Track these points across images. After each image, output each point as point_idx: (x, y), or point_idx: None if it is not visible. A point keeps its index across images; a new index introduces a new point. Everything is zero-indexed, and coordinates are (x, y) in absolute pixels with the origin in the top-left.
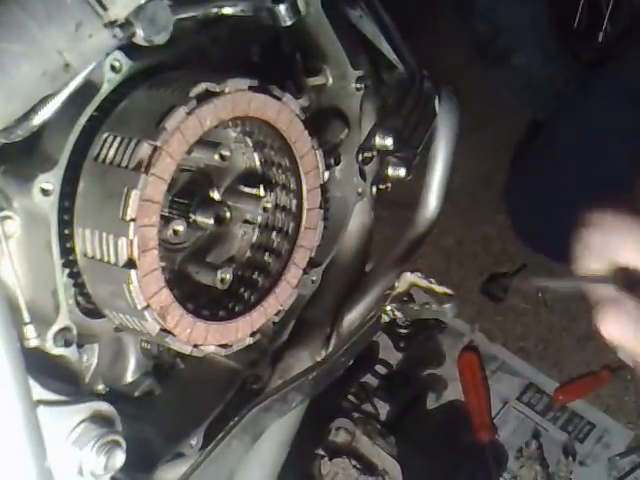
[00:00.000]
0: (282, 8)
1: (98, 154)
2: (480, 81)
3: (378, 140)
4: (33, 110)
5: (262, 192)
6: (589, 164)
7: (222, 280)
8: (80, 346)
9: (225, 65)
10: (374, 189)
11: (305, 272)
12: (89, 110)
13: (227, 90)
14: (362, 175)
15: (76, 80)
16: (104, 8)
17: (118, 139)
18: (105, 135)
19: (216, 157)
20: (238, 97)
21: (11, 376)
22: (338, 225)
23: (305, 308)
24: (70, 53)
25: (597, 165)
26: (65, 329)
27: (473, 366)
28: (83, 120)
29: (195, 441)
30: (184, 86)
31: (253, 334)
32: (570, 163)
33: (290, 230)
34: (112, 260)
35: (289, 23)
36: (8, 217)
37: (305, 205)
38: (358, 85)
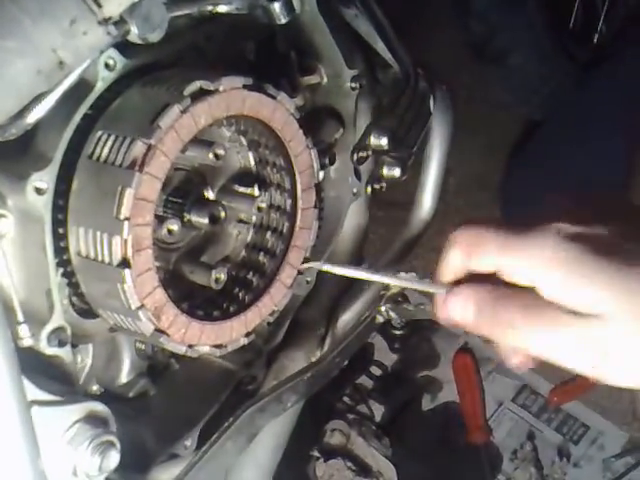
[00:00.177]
0: (277, 6)
1: (92, 152)
2: (476, 81)
3: (373, 140)
4: (27, 108)
5: (256, 191)
6: (585, 164)
7: (216, 280)
8: (74, 346)
9: (220, 63)
10: (369, 189)
11: (300, 272)
12: (83, 108)
13: (222, 88)
14: (357, 175)
15: (70, 78)
16: (98, 5)
17: (112, 137)
18: (99, 133)
19: (210, 156)
20: (233, 95)
21: (5, 376)
22: (333, 225)
23: (300, 308)
24: (64, 50)
25: (593, 165)
26: (59, 329)
27: (468, 368)
28: (77, 118)
29: (189, 442)
30: (178, 84)
31: (248, 334)
32: (566, 163)
33: (285, 230)
34: (106, 259)
35: (284, 21)
36: (2, 216)
37: (300, 205)
38: (353, 84)
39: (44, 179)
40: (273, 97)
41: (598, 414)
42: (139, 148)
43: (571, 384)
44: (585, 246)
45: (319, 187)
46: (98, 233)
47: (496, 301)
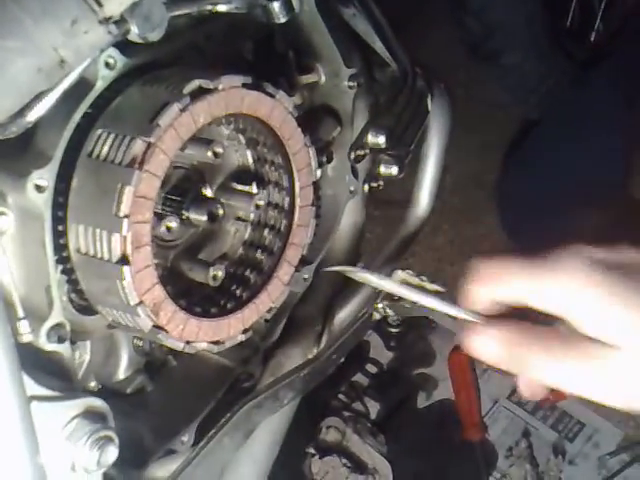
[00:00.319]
0: (276, 5)
1: (92, 150)
2: (473, 79)
3: (370, 138)
4: (27, 106)
5: (255, 189)
6: (582, 164)
7: (214, 277)
8: (73, 343)
9: (219, 62)
10: (366, 187)
11: (297, 269)
12: (83, 107)
13: (220, 87)
14: (354, 173)
15: (71, 76)
16: (99, 4)
17: (112, 136)
18: (99, 132)
19: (209, 154)
20: (231, 94)
21: (5, 371)
22: (330, 223)
23: (297, 306)
24: (65, 49)
25: (590, 165)
26: (58, 325)
27: (463, 365)
28: (77, 117)
29: (187, 438)
30: (178, 83)
31: (245, 331)
32: (563, 162)
33: (282, 227)
34: (105, 256)
35: (283, 20)
36: (2, 213)
37: (297, 202)
38: (351, 83)
39: (44, 177)
40: (272, 96)
41: (593, 412)
42: (139, 146)
43: None
44: (618, 271)
45: (317, 185)
46: (98, 230)
47: (522, 341)
